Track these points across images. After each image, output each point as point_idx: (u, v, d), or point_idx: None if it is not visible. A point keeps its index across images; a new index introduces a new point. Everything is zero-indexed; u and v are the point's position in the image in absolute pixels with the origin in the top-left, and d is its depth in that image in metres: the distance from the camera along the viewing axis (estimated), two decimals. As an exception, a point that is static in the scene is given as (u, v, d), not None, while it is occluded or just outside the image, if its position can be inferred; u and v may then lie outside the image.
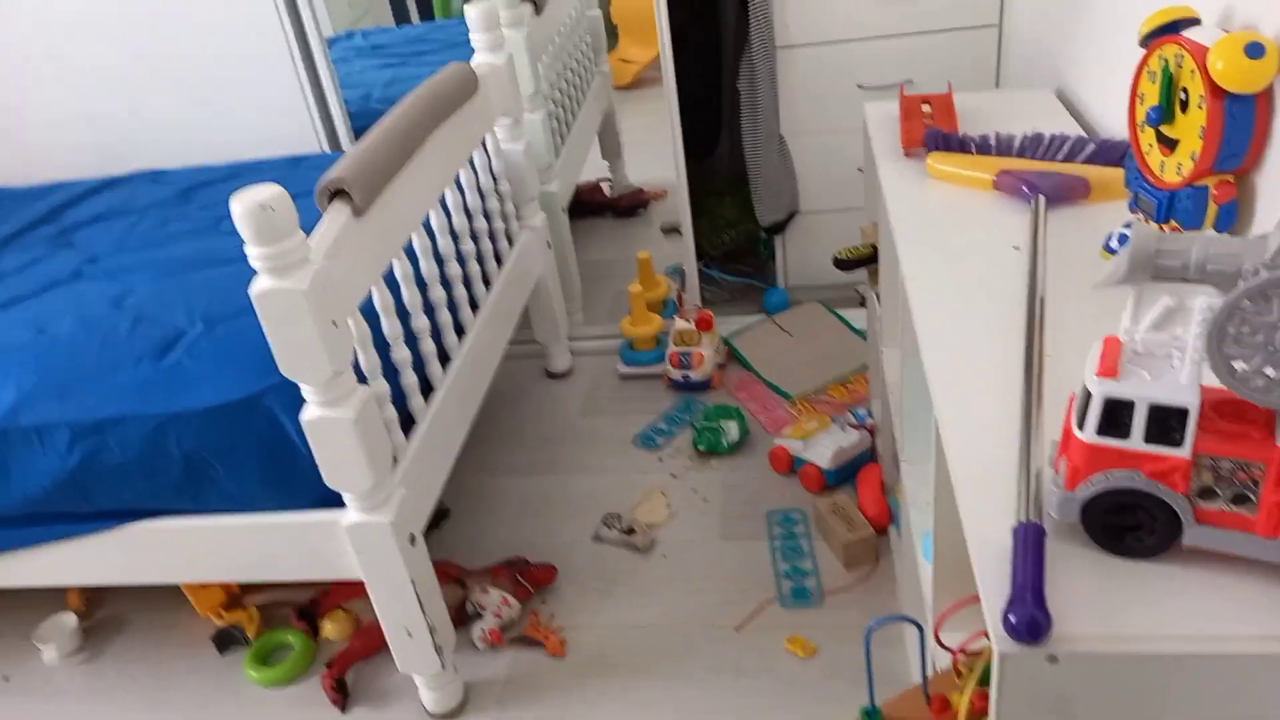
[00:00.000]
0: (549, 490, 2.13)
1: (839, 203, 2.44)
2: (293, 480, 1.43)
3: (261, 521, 1.48)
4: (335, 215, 1.37)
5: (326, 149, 2.40)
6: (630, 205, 3.30)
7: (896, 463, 1.63)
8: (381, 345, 1.53)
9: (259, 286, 1.21)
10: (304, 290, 1.21)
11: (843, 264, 1.87)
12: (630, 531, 1.95)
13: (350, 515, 1.41)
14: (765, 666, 1.63)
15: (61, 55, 2.34)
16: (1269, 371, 0.67)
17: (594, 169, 3.36)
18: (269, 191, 1.18)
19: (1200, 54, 1.00)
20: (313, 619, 1.81)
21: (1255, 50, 0.96)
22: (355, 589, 1.52)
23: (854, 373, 2.33)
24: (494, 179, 2.12)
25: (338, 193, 1.38)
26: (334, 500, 1.43)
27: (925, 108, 1.62)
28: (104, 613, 1.98)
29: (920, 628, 1.11)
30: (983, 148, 1.45)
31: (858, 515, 1.84)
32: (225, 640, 1.82)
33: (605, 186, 3.41)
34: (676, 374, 2.37)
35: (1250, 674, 0.68)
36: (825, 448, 1.99)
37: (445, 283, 1.79)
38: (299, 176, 2.07)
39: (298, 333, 1.24)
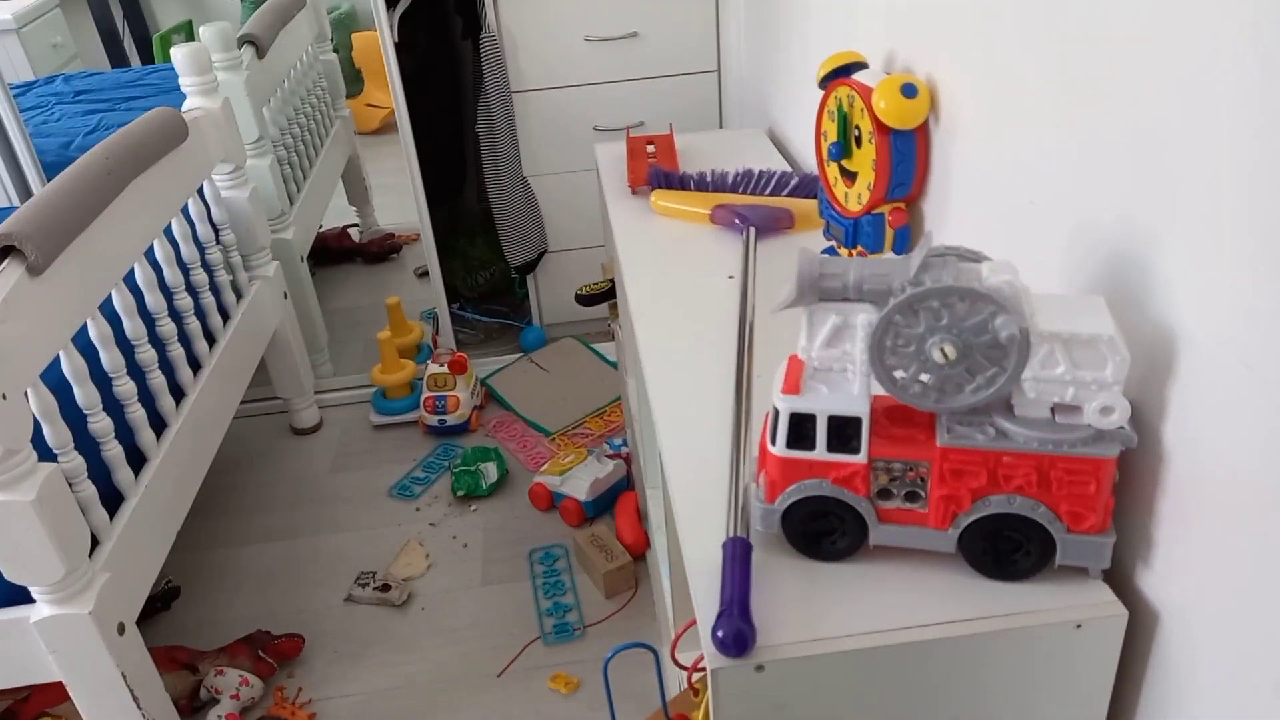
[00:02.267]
0: (296, 555, 1.99)
1: (585, 240, 2.48)
2: (-36, 578, 1.24)
3: (-73, 630, 1.27)
4: (6, 275, 1.21)
5: (16, 202, 2.15)
6: (380, 250, 3.20)
7: (644, 489, 1.66)
8: (77, 416, 1.37)
9: (-103, 358, 1.05)
10: (-43, 359, 1.06)
11: (584, 299, 1.89)
12: (385, 588, 1.86)
13: (40, 610, 1.24)
14: (530, 709, 1.60)
15: None
16: (923, 378, 0.73)
17: (343, 215, 3.24)
18: (-96, 248, 1.02)
19: (867, 94, 1.10)
20: (13, 733, 1.57)
21: (909, 90, 1.07)
22: (61, 691, 1.33)
23: (610, 404, 2.37)
24: (214, 228, 1.98)
25: (7, 250, 1.22)
26: (20, 595, 1.25)
27: (650, 148, 1.68)
28: None
29: (655, 652, 1.12)
30: (700, 184, 1.52)
31: (616, 544, 1.86)
32: (-102, 776, 1.54)
33: (354, 232, 3.29)
34: (432, 419, 2.31)
35: (935, 655, 0.73)
36: (582, 480, 1.99)
37: (157, 342, 1.64)
38: (-23, 231, 1.83)
39: (-47, 408, 1.08)
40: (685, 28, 2.24)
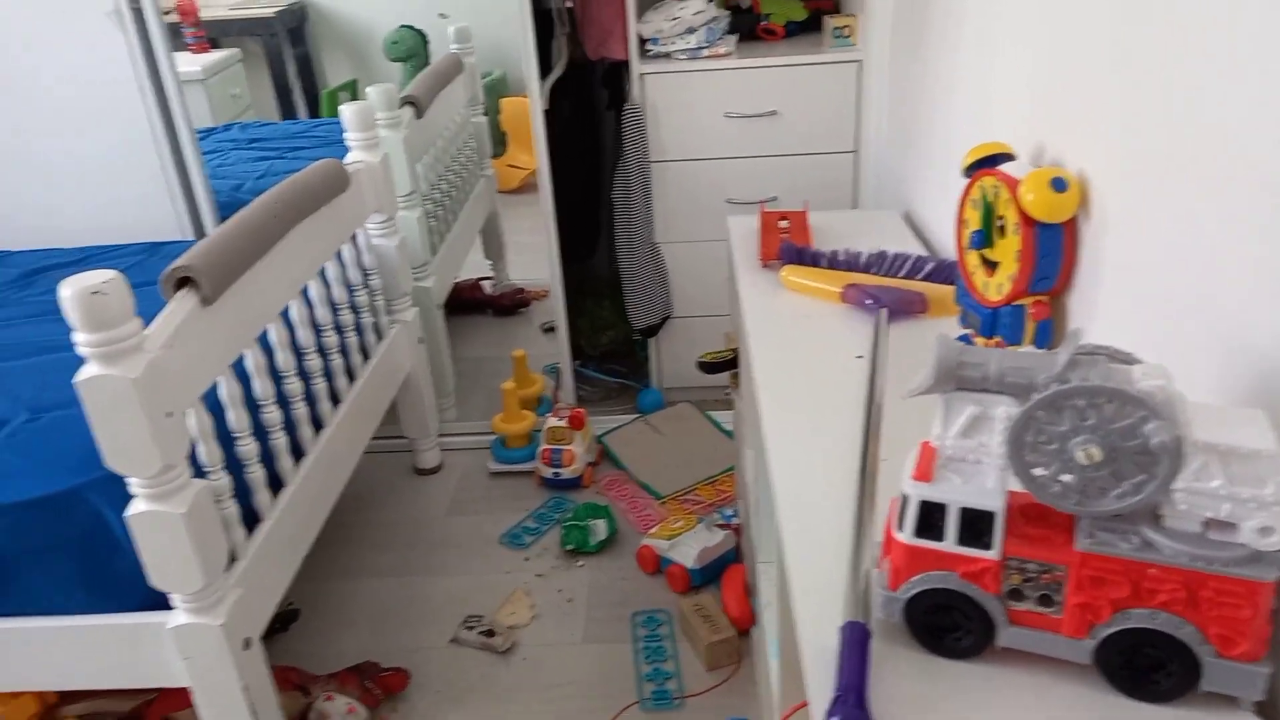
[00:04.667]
0: (408, 592, 2.05)
1: (710, 309, 2.51)
2: (112, 580, 1.33)
3: (76, 624, 1.36)
4: (180, 304, 1.32)
5: (191, 237, 2.34)
6: (510, 304, 3.31)
7: (755, 563, 1.65)
8: (227, 437, 1.46)
9: (84, 374, 1.15)
10: (134, 379, 1.15)
11: (706, 366, 1.91)
12: (490, 634, 1.89)
13: (177, 617, 1.32)
14: (622, 778, 1.58)
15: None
16: (1064, 478, 0.71)
17: (478, 268, 3.38)
18: (101, 277, 1.13)
19: (1013, 186, 1.10)
20: (136, 733, 1.66)
21: (1059, 185, 1.06)
22: (186, 696, 1.41)
23: (723, 473, 2.36)
24: (364, 273, 2.10)
25: (184, 280, 1.34)
26: (159, 601, 1.33)
27: (782, 223, 1.70)
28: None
29: (762, 733, 1.10)
30: (833, 262, 1.53)
31: (721, 616, 1.84)
32: (32, 760, 1.64)
33: (487, 285, 3.42)
34: (547, 471, 2.35)
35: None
36: (691, 547, 1.99)
37: (303, 375, 1.74)
38: (156, 263, 2.01)
39: (125, 423, 1.17)
40: (825, 108, 2.27)
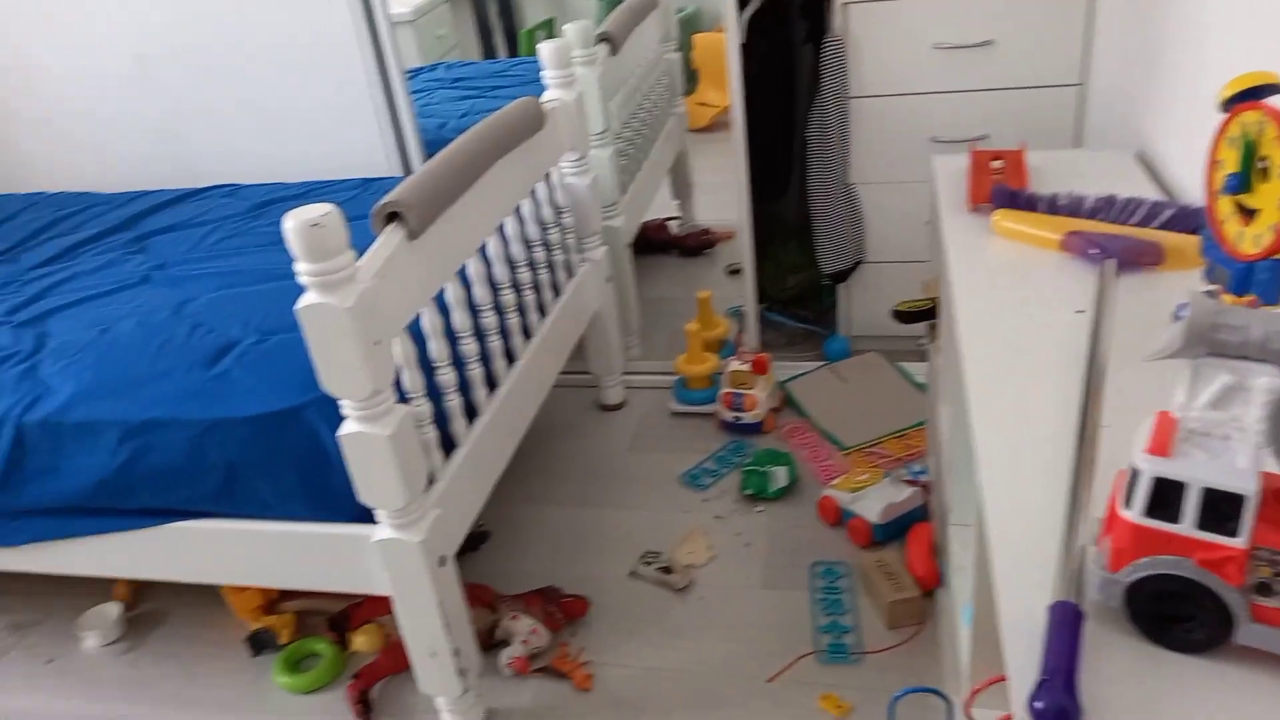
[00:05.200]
0: (590, 523, 2.11)
1: (906, 254, 2.39)
2: (328, 493, 1.44)
3: (295, 530, 1.49)
4: (389, 237, 1.39)
5: (399, 173, 2.46)
6: (696, 245, 3.29)
7: (947, 523, 1.57)
8: (428, 366, 1.54)
9: (304, 301, 1.23)
10: (348, 308, 1.22)
11: (902, 316, 1.82)
12: (668, 570, 1.91)
13: (381, 531, 1.41)
14: (794, 725, 1.58)
15: (151, 77, 2.45)
16: (1337, 461, 0.62)
17: (663, 208, 3.37)
18: (320, 210, 1.20)
19: (1285, 120, 0.95)
20: (343, 630, 1.81)
21: (1345, 119, 0.91)
22: (386, 604, 1.52)
23: (912, 427, 2.26)
24: (557, 211, 2.13)
25: (392, 215, 1.40)
26: (367, 516, 1.43)
27: (995, 164, 1.57)
28: (148, 606, 2.01)
29: (949, 702, 1.05)
30: (1052, 207, 1.40)
31: (905, 574, 1.78)
32: (259, 643, 1.83)
33: (673, 225, 3.41)
34: (728, 415, 2.34)
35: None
36: (875, 502, 1.93)
37: (498, 309, 1.80)
38: (368, 198, 2.12)
39: (339, 349, 1.25)
40: (1048, 37, 2.07)
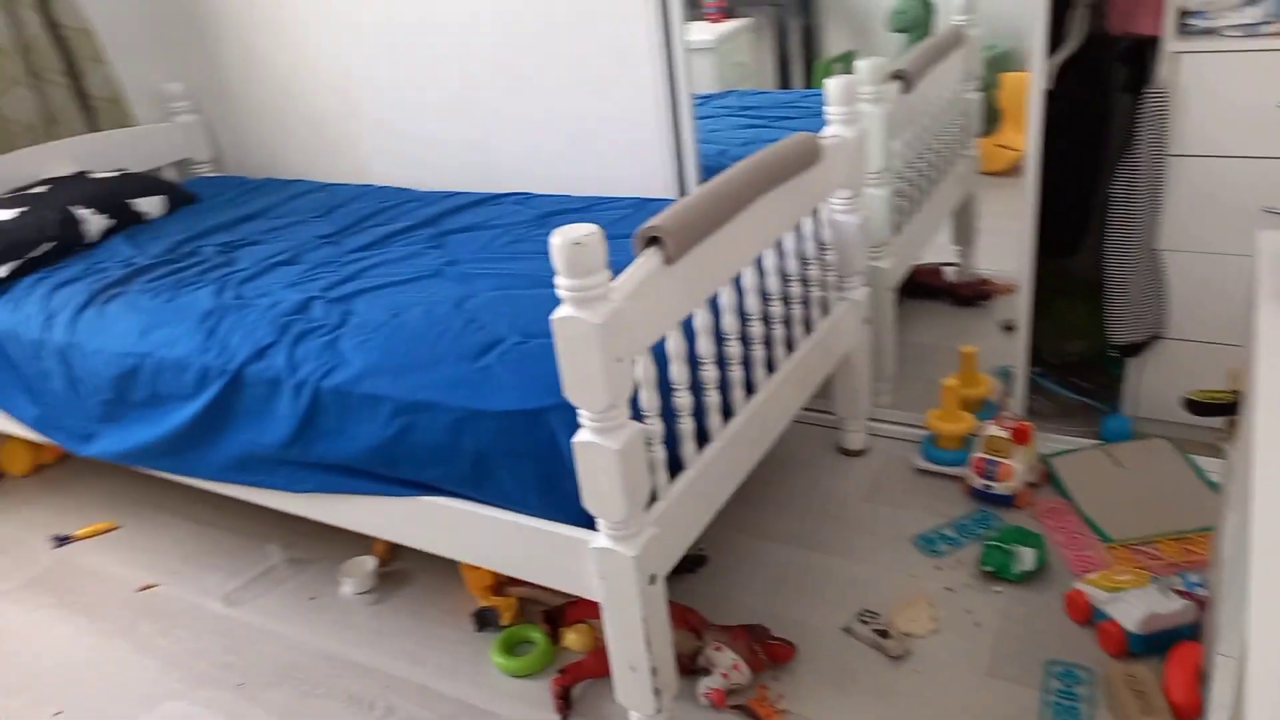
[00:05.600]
0: (810, 567, 2.06)
1: (1213, 335, 2.12)
2: (560, 494, 1.52)
3: (526, 524, 1.59)
4: (646, 261, 1.44)
5: (674, 195, 2.54)
6: (971, 294, 3.11)
7: (1214, 650, 1.37)
8: (666, 388, 1.58)
9: (559, 313, 1.31)
10: (597, 324, 1.28)
11: (1195, 406, 1.62)
12: (885, 634, 1.83)
13: (600, 540, 1.47)
14: (997, 832, 1.45)
15: (471, 91, 2.71)
16: None
17: (942, 252, 3.22)
18: (584, 230, 1.27)
19: None
20: (557, 624, 1.90)
21: None
22: (597, 608, 1.57)
23: (1195, 531, 2.00)
24: (820, 247, 2.11)
25: (652, 240, 1.45)
26: (591, 522, 1.49)
27: (1335, 244, 1.36)
28: (399, 565, 2.23)
29: None
30: (1401, 302, 1.18)
31: (1158, 697, 1.57)
32: (483, 620, 1.97)
33: (950, 271, 3.25)
34: (978, 482, 2.19)
35: None
36: (1136, 607, 1.72)
37: (744, 340, 1.81)
38: (640, 218, 2.21)
39: (584, 361, 1.31)
40: None
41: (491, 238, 2.27)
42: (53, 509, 2.68)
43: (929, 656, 1.79)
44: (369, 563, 2.18)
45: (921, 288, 3.17)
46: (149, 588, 2.27)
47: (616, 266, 1.39)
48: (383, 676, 1.91)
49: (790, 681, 1.77)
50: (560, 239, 1.27)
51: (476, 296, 1.90)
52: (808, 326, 2.10)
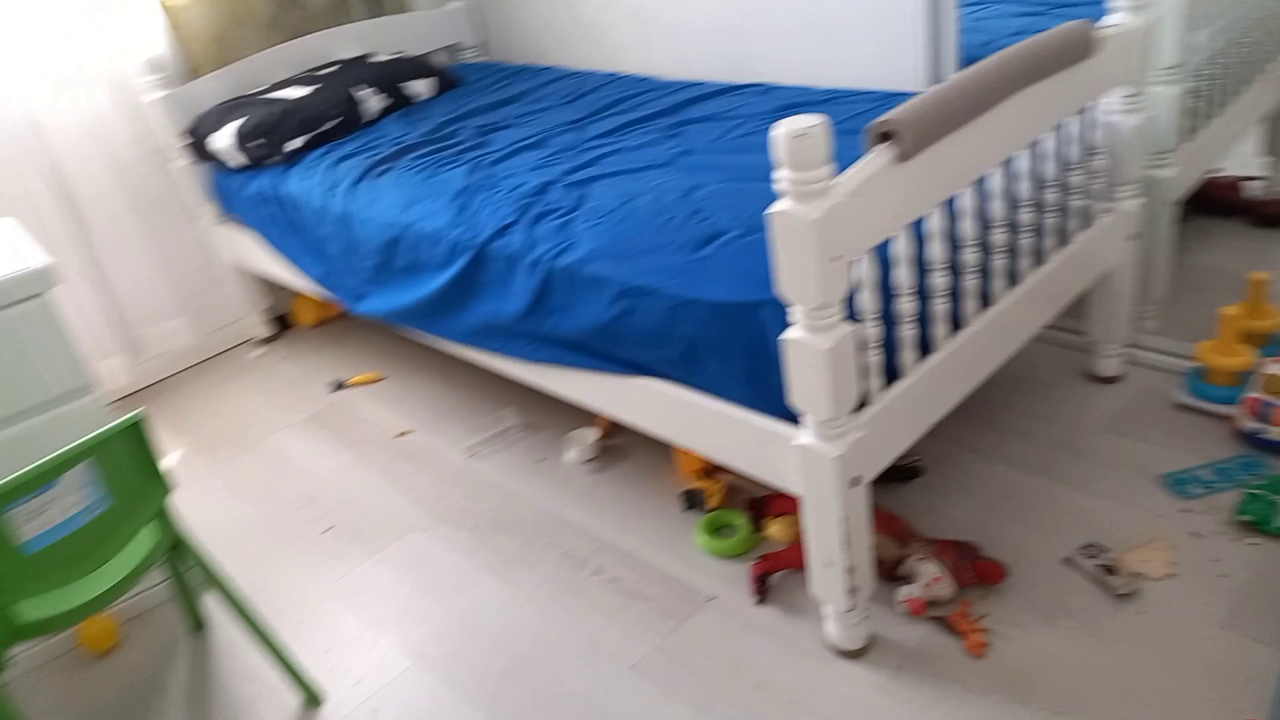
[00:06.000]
0: (1036, 493, 1.95)
1: None
2: (767, 387, 1.53)
3: (732, 413, 1.62)
4: (876, 157, 1.37)
5: (921, 86, 2.37)
6: (1274, 215, 2.71)
7: None
8: (889, 292, 1.52)
9: (776, 207, 1.29)
10: (814, 219, 1.25)
11: None
12: (1111, 570, 1.71)
13: (803, 437, 1.47)
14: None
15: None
16: None
17: (1245, 164, 2.81)
18: (810, 122, 1.23)
19: None
20: (760, 513, 1.95)
21: None
22: (797, 504, 1.59)
23: None
24: (1088, 152, 1.91)
25: (885, 135, 1.38)
26: (796, 418, 1.49)
27: None
28: (619, 440, 2.36)
29: None
30: None
31: None
32: (691, 500, 2.06)
33: (1252, 186, 2.83)
34: (1250, 424, 1.96)
35: None
36: None
37: (984, 248, 1.69)
38: (884, 112, 2.09)
39: (798, 257, 1.29)
40: None
41: (727, 129, 2.25)
42: (332, 358, 3.05)
43: (1158, 600, 1.66)
44: (591, 434, 2.32)
45: (1214, 203, 2.80)
46: (405, 434, 2.56)
47: (850, 163, 1.34)
48: (596, 538, 2.05)
49: (996, 603, 1.71)
50: (783, 130, 1.24)
51: (705, 187, 1.90)
52: (1062, 238, 1.92)
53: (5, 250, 1.87)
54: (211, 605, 2.03)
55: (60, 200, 2.76)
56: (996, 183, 1.66)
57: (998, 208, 1.68)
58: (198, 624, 1.99)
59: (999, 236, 1.70)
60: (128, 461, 1.51)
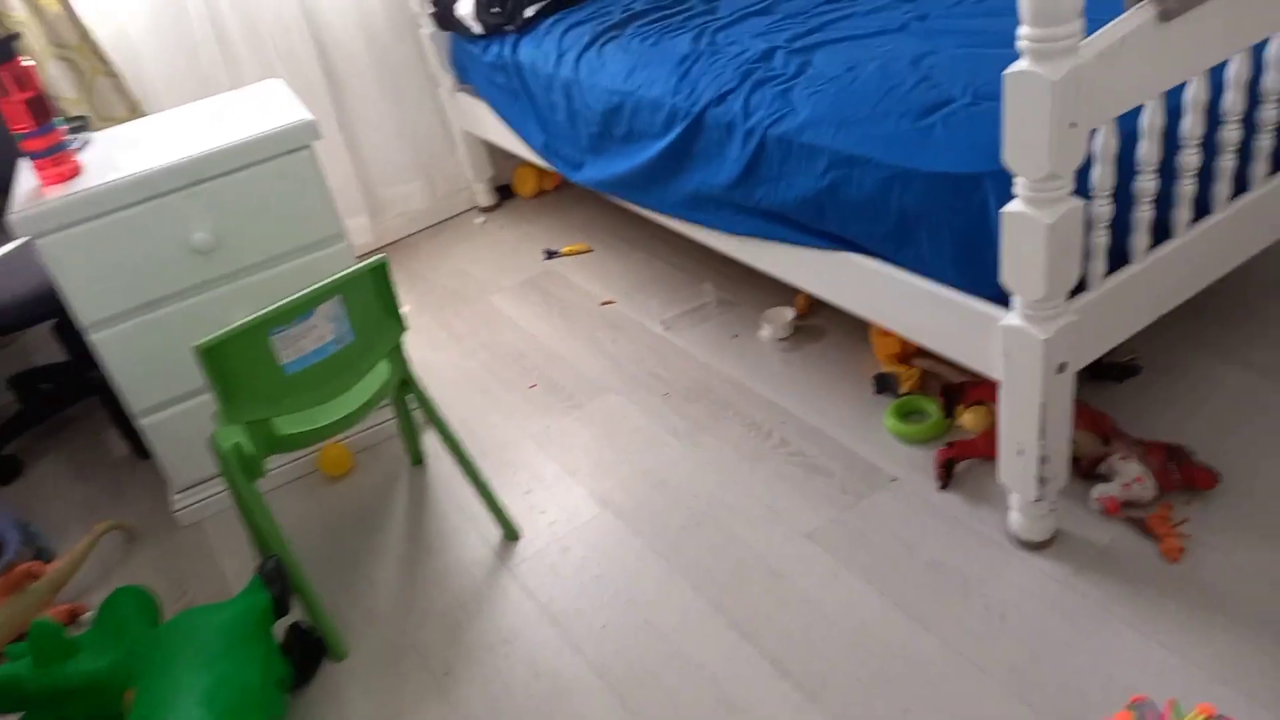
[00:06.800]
0: (1271, 403, 1.79)
1: None
2: (977, 266, 1.48)
3: (938, 292, 1.58)
4: (1135, 15, 1.25)
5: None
6: None
7: None
8: (1130, 168, 1.41)
9: (1014, 67, 1.21)
10: (1053, 80, 1.17)
11: None
12: (1347, 499, 1.56)
13: (1011, 318, 1.42)
14: None
15: None
16: None
17: None
18: (1060, -33, 1.14)
19: None
20: (954, 401, 1.90)
21: None
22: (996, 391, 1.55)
23: None
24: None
25: (1153, -11, 1.25)
26: (1005, 300, 1.44)
27: None
28: (815, 321, 2.36)
29: None
30: None
31: None
32: (883, 384, 2.04)
33: None
34: None
35: None
36: None
37: (1249, 124, 1.52)
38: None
39: (1030, 122, 1.22)
40: None
41: (974, -8, 2.10)
42: (546, 228, 3.20)
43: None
44: (788, 313, 2.33)
45: None
46: (608, 303, 2.66)
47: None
48: (783, 412, 2.09)
49: (1202, 510, 1.61)
50: (1029, -20, 1.15)
51: (937, 54, 1.80)
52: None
53: (275, 106, 2.08)
54: (430, 443, 2.25)
55: (320, 63, 2.99)
56: (1276, 50, 1.48)
57: (1274, 80, 1.50)
58: (418, 459, 2.21)
59: (1271, 113, 1.52)
60: (371, 300, 1.67)
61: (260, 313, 1.52)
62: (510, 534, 1.93)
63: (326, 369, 1.65)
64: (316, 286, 1.57)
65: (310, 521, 2.10)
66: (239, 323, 1.50)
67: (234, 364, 1.53)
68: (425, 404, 1.84)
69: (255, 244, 1.98)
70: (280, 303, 1.53)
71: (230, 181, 1.91)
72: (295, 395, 1.63)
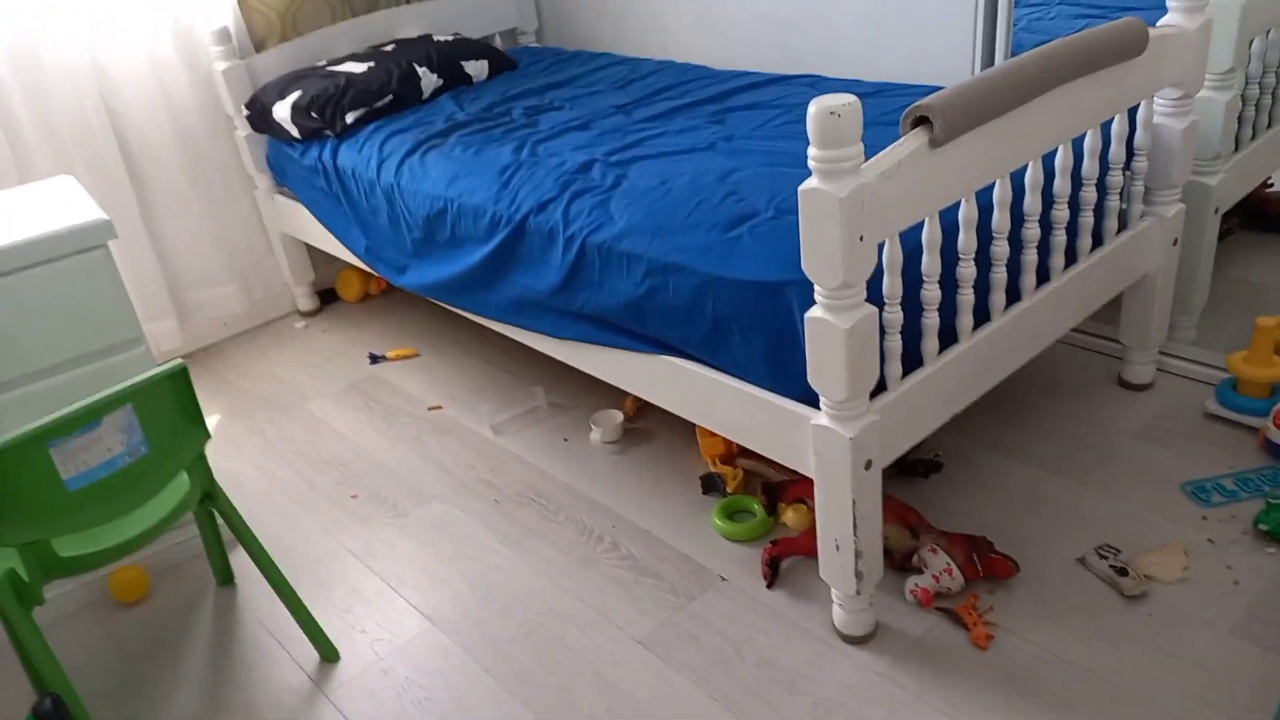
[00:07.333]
0: (1055, 493, 1.95)
1: None
2: (787, 368, 1.55)
3: (753, 393, 1.64)
4: (909, 141, 1.39)
5: (970, 73, 2.37)
6: (1327, 232, 2.65)
7: None
8: (913, 278, 1.53)
9: (806, 185, 1.31)
10: (840, 197, 1.27)
11: None
12: (1123, 572, 1.71)
13: (820, 418, 1.49)
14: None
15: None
16: None
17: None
18: (842, 100, 1.24)
19: None
20: (775, 499, 1.96)
21: None
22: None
23: None
24: (1130, 153, 1.90)
25: (919, 119, 1.39)
26: (815, 400, 1.51)
27: None
28: (643, 423, 2.39)
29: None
30: None
31: None
32: (709, 484, 2.08)
33: (1307, 202, 2.78)
34: (1278, 436, 1.93)
35: None
36: None
37: (1015, 242, 1.69)
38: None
39: (823, 235, 1.31)
40: None
41: (771, 117, 2.27)
42: (372, 333, 3.12)
43: (1169, 604, 1.65)
44: (617, 416, 2.36)
45: (1263, 217, 2.75)
46: (436, 408, 2.61)
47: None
48: (614, 515, 2.08)
49: (1004, 598, 1.72)
50: (816, 107, 1.25)
51: (742, 170, 1.92)
52: (1098, 239, 1.92)
53: (66, 203, 1.96)
54: (242, 561, 2.10)
55: (123, 161, 2.85)
56: (1032, 176, 1.66)
57: (1032, 202, 1.68)
58: (226, 578, 2.05)
59: (1031, 231, 1.70)
60: (168, 409, 1.57)
61: (38, 423, 1.39)
62: (328, 655, 1.81)
63: (115, 484, 1.51)
64: (104, 394, 1.46)
65: (100, 652, 1.90)
66: (13, 434, 1.37)
67: (6, 480, 1.38)
68: (230, 518, 1.72)
69: (43, 347, 1.83)
70: (61, 412, 1.41)
71: (15, 281, 1.77)
72: (78, 514, 1.49)
